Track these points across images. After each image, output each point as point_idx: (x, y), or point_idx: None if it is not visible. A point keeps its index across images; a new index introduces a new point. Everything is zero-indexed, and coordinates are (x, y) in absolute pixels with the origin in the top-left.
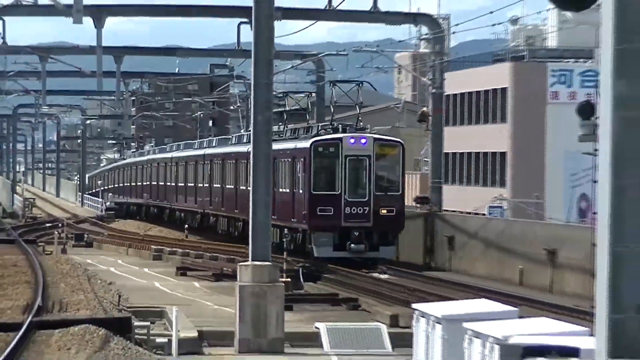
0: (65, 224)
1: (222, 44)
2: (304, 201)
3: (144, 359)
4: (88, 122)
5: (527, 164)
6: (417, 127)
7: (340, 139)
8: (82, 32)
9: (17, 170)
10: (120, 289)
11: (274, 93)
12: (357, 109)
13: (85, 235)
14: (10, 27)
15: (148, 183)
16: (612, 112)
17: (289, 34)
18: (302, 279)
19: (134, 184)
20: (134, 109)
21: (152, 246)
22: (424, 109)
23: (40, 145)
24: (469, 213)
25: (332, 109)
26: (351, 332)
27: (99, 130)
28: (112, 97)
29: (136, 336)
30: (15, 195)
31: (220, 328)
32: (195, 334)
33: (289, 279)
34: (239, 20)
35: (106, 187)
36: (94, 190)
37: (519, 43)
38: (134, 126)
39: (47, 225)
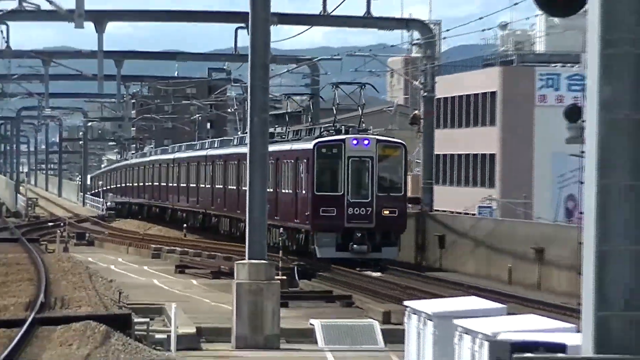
0: (67, 223)
1: (220, 48)
2: (307, 202)
3: (144, 355)
4: (89, 124)
5: (516, 165)
6: (409, 130)
7: (343, 140)
8: (84, 37)
9: (21, 170)
10: (121, 287)
11: (272, 96)
12: (360, 111)
13: (87, 234)
14: (14, 31)
15: (150, 183)
16: (599, 115)
17: (284, 38)
18: (297, 277)
19: (136, 184)
20: (134, 111)
21: (152, 245)
22: (416, 111)
23: (43, 146)
24: (460, 213)
25: (334, 111)
26: (345, 329)
27: (100, 132)
28: (113, 100)
29: (136, 332)
30: (18, 195)
31: (217, 324)
32: (194, 330)
33: (284, 277)
34: (236, 25)
35: (107, 187)
36: (95, 190)
37: (508, 48)
38: (134, 128)
39: (50, 224)
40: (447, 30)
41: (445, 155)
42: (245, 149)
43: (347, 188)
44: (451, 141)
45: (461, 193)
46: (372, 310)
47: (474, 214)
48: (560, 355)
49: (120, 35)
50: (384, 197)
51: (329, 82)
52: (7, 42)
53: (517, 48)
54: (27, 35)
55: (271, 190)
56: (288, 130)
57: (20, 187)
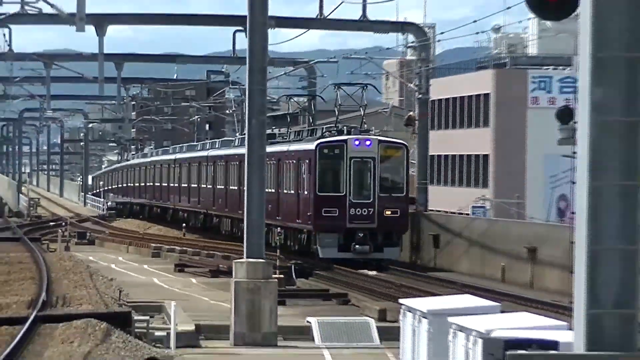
0: (68, 223)
1: (218, 51)
2: (309, 202)
3: (144, 352)
4: (90, 125)
5: (509, 166)
6: (404, 131)
7: (345, 140)
8: (85, 40)
9: (23, 171)
10: (121, 285)
11: (270, 98)
12: (362, 112)
13: (88, 234)
14: (16, 35)
15: (152, 184)
16: (590, 116)
17: (282, 41)
18: (294, 276)
19: (137, 184)
20: (134, 113)
21: (152, 244)
22: (411, 113)
23: (45, 147)
24: (454, 213)
25: (336, 112)
26: (341, 326)
27: (100, 133)
28: (113, 102)
29: (136, 330)
30: (20, 195)
31: (216, 322)
32: (193, 328)
33: (282, 276)
34: (234, 28)
35: (108, 188)
36: (96, 191)
37: (501, 51)
38: (134, 129)
39: (51, 224)
40: (442, 33)
41: (439, 156)
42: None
43: (349, 188)
44: (445, 142)
45: (455, 193)
46: (368, 308)
47: (467, 214)
48: (552, 352)
49: (121, 39)
50: (385, 198)
51: (331, 83)
52: (10, 45)
53: (510, 51)
54: (29, 38)
55: (273, 190)
56: (290, 131)
57: (23, 188)
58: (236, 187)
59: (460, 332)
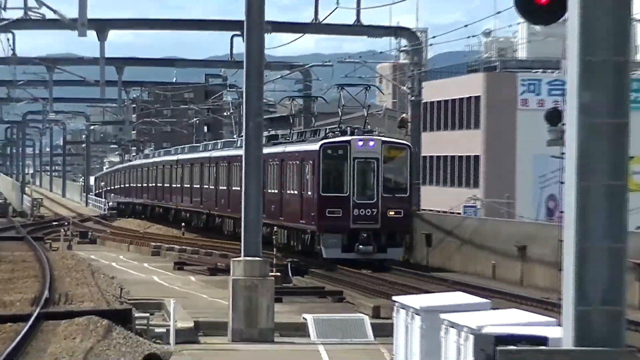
0: (70, 222)
1: (217, 55)
2: (313, 203)
3: (144, 348)
4: (92, 127)
5: (499, 166)
6: (398, 133)
7: (349, 141)
8: (87, 44)
9: (26, 172)
10: (122, 283)
11: (267, 101)
12: (365, 112)
13: (89, 233)
14: (19, 39)
15: (154, 184)
16: (578, 118)
17: (278, 46)
18: (290, 273)
19: (140, 184)
20: (135, 115)
21: (151, 243)
22: (404, 115)
23: (48, 149)
24: (445, 212)
25: (340, 112)
26: (336, 323)
27: (102, 135)
28: (114, 105)
29: (136, 326)
30: (24, 195)
31: (214, 319)
32: (192, 325)
33: (278, 273)
34: (232, 33)
35: (109, 188)
36: (98, 191)
37: (492, 54)
38: (134, 131)
39: (54, 223)
40: (434, 37)
41: (431, 157)
42: None
43: (353, 189)
44: (437, 143)
45: (447, 193)
46: (362, 305)
47: (459, 214)
48: (541, 347)
49: (121, 43)
50: (389, 198)
51: (334, 84)
52: (13, 49)
53: (500, 55)
54: (32, 43)
55: (276, 191)
56: (292, 131)
57: (26, 188)
58: (239, 188)
59: (452, 328)
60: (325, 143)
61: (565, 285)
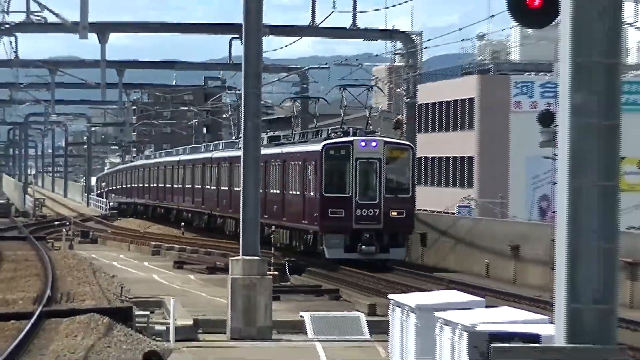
0: (72, 222)
1: (215, 58)
2: (316, 203)
3: (144, 345)
4: (93, 129)
5: (493, 167)
6: (393, 134)
7: (351, 142)
8: (88, 47)
9: (29, 173)
10: (122, 281)
11: (265, 102)
12: (367, 113)
13: (91, 233)
14: (22, 42)
15: (155, 185)
16: (570, 120)
17: (276, 48)
18: (288, 272)
19: (141, 185)
20: (135, 117)
21: (152, 242)
22: (399, 117)
23: (50, 150)
24: (440, 212)
25: (342, 113)
26: (333, 321)
27: (102, 136)
28: (115, 107)
29: (137, 324)
30: (26, 195)
31: (213, 317)
32: (191, 322)
33: (276, 272)
34: (230, 36)
35: (111, 188)
36: (100, 191)
37: (485, 57)
38: (134, 133)
39: (56, 223)
40: (428, 40)
41: (426, 158)
42: None
43: (355, 189)
44: (432, 144)
45: (442, 193)
46: (358, 303)
47: (453, 214)
48: (534, 345)
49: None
50: (391, 199)
51: (336, 85)
52: (16, 52)
53: (493, 57)
54: (34, 46)
55: (278, 192)
56: (294, 132)
57: (28, 189)
58: (240, 189)
59: (446, 326)
60: (327, 143)
61: (558, 284)
